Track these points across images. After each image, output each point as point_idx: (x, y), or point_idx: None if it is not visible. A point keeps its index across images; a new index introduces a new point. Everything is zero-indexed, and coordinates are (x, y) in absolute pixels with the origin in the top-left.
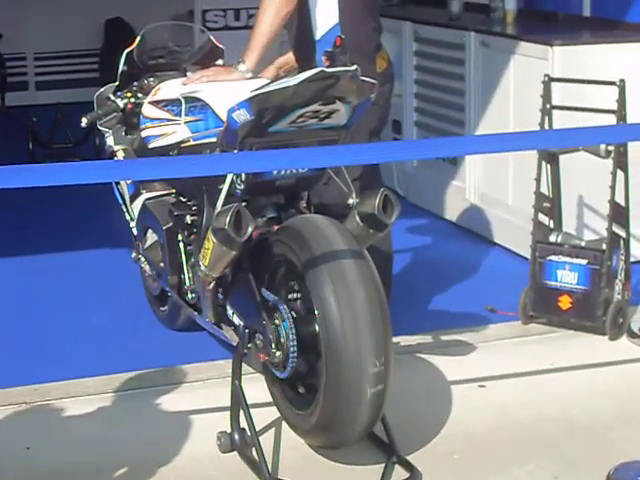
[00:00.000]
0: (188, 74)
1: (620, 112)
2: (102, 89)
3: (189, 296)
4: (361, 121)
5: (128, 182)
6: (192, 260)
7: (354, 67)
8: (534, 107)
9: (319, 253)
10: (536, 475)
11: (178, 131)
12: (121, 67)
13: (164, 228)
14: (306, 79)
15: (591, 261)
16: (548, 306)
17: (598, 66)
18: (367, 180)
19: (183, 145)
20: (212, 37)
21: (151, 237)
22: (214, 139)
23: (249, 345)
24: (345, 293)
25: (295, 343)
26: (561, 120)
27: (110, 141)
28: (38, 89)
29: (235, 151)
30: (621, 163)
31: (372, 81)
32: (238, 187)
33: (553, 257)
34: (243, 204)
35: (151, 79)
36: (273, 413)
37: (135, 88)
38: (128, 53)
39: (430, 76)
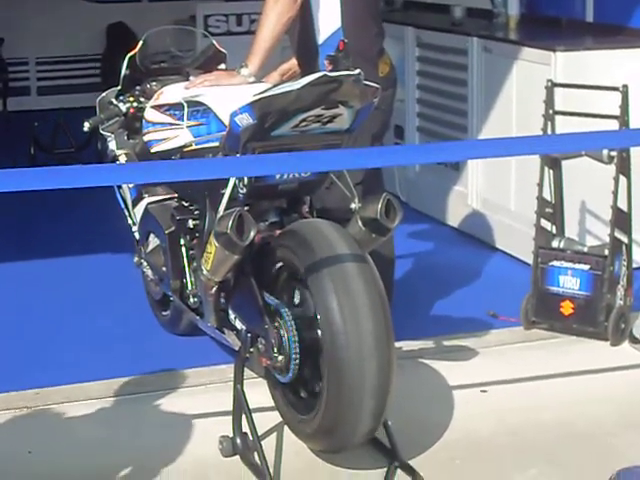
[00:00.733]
0: (190, 78)
1: (623, 117)
2: (104, 93)
3: (191, 300)
4: (364, 125)
5: (130, 186)
6: (194, 264)
7: (357, 71)
8: (537, 112)
9: (321, 257)
10: None
11: (180, 135)
12: (123, 71)
13: (166, 232)
14: (309, 83)
15: (593, 267)
16: (550, 312)
17: (601, 71)
18: (369, 185)
19: (185, 149)
20: (215, 41)
21: (153, 241)
22: (217, 143)
23: (251, 349)
24: (347, 297)
25: (297, 347)
26: (564, 126)
27: (112, 145)
28: (40, 94)
29: (237, 155)
30: (624, 169)
31: (375, 85)
32: (240, 191)
33: (555, 262)
34: (245, 208)
35: (153, 83)
36: (275, 417)
37: (137, 92)
38: (130, 57)
39: (432, 81)
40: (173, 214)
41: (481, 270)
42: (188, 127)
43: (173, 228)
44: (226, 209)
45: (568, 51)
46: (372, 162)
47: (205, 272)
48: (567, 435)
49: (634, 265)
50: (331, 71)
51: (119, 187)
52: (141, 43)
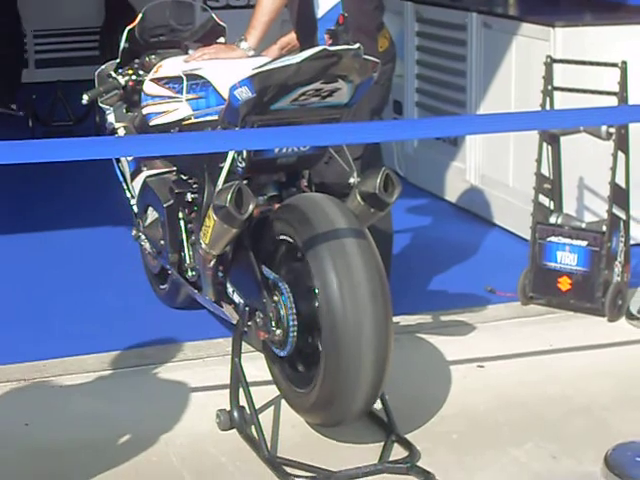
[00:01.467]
0: (190, 52)
1: (622, 94)
2: (103, 66)
3: (189, 274)
4: (363, 100)
5: (129, 159)
6: (193, 238)
7: (357, 45)
8: (535, 88)
9: (320, 231)
10: (534, 455)
11: (179, 109)
12: (122, 44)
13: (165, 206)
14: (309, 57)
15: (591, 243)
16: (547, 287)
17: (600, 48)
18: (368, 159)
19: (184, 123)
20: (214, 15)
21: (152, 215)
22: (216, 117)
23: (249, 323)
24: (346, 272)
25: (295, 321)
26: (562, 102)
27: (111, 118)
28: (38, 67)
29: (236, 128)
30: (622, 145)
31: (375, 60)
32: (239, 165)
33: (553, 238)
34: (244, 182)
35: (152, 56)
36: (273, 391)
37: (136, 65)
38: (129, 30)
39: (432, 57)
40: (172, 187)
41: (479, 246)
42: (187, 100)
43: (172, 201)
44: (225, 183)
45: (567, 27)
46: (371, 137)
47: (203, 246)
48: (563, 410)
49: (632, 241)
50: (331, 45)
51: (118, 160)
52: (140, 16)
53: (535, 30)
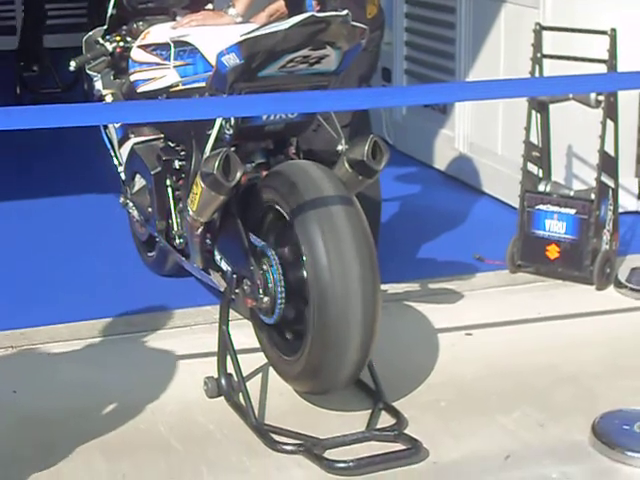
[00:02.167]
0: (177, 18)
1: (611, 61)
2: (91, 32)
3: (177, 241)
4: (351, 67)
5: (116, 126)
6: (180, 205)
7: (345, 12)
8: (525, 56)
9: (308, 199)
10: (522, 423)
11: (167, 75)
12: (110, 11)
13: (152, 173)
14: (296, 24)
15: (579, 211)
16: (536, 255)
17: (589, 15)
18: (356, 127)
19: (172, 89)
20: None
21: (139, 182)
22: (203, 83)
23: (237, 291)
24: (333, 239)
25: (283, 289)
26: (552, 69)
27: (99, 85)
28: None
29: (224, 95)
30: (611, 113)
31: (363, 26)
32: (227, 132)
33: (541, 206)
34: (232, 149)
35: (140, 23)
36: (260, 359)
37: (124, 32)
38: None
39: (420, 24)
40: (159, 155)
41: (467, 213)
42: (175, 67)
43: (159, 169)
44: (212, 150)
45: None
46: (359, 104)
47: (191, 213)
48: (551, 378)
49: (620, 210)
50: (319, 12)
51: (105, 127)
52: None
53: None
